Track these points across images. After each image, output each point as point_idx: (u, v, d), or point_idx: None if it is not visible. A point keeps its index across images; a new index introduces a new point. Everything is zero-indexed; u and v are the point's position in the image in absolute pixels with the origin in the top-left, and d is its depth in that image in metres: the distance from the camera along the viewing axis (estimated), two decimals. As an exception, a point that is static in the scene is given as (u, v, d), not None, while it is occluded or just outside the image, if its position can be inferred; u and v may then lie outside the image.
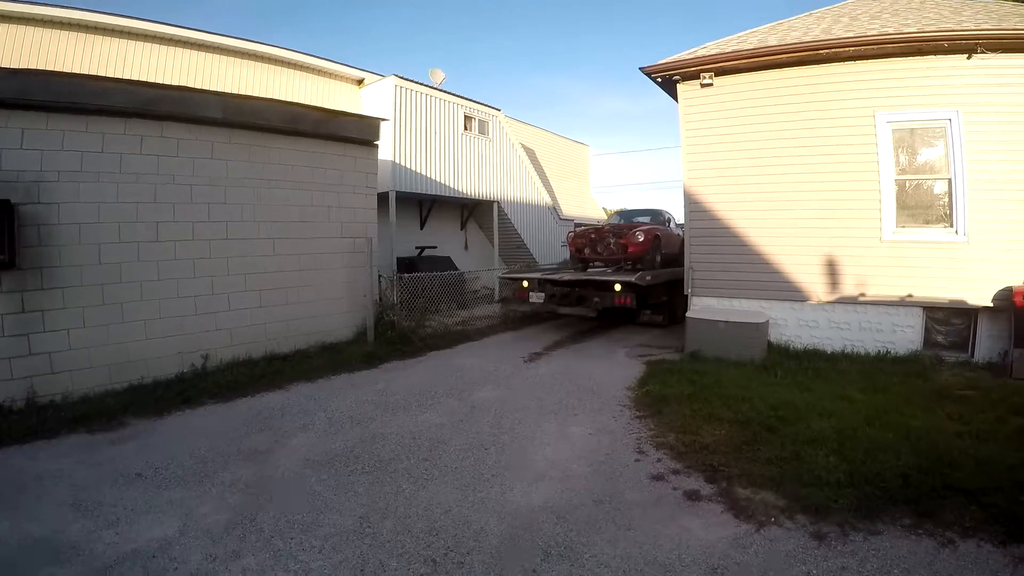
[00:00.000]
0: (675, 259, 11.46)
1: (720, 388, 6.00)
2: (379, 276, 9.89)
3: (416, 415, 5.70)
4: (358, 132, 9.48)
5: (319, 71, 14.33)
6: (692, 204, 8.81)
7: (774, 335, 8.15)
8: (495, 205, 16.79)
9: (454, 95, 15.62)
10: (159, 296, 7.09)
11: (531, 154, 20.29)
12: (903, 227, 7.75)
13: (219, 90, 10.52)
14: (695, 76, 8.46)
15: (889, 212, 7.73)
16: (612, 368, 7.63)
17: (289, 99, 13.03)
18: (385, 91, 14.18)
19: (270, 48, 13.23)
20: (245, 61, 13.00)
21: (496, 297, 13.58)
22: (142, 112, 6.98)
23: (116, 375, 6.58)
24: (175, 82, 10.01)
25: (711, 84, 8.44)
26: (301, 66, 13.99)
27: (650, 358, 8.07)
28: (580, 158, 25.19)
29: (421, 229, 16.37)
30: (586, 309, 8.93)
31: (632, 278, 8.48)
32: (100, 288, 6.56)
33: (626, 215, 12.51)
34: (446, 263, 15.04)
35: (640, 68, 8.53)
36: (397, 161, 13.87)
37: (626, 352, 8.70)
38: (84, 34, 10.41)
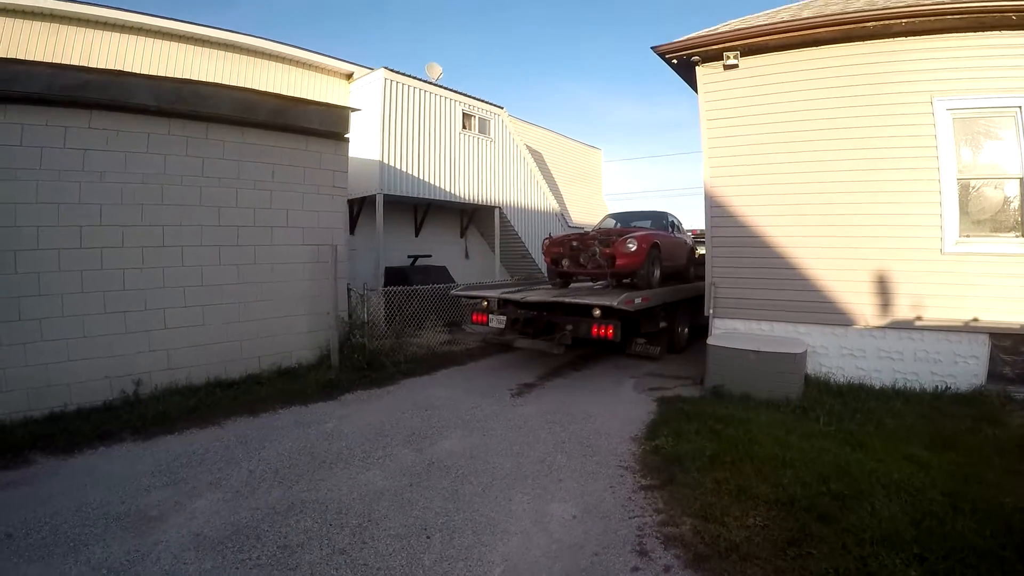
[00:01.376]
0: (681, 273, 10.04)
1: (751, 444, 4.65)
2: (348, 289, 8.68)
3: (357, 473, 4.45)
4: (323, 123, 8.28)
5: (306, 64, 13.27)
6: (714, 208, 7.45)
7: (812, 366, 6.77)
8: (496, 210, 15.57)
9: (451, 91, 14.48)
10: (83, 311, 6.09)
11: (538, 157, 19.09)
12: (967, 237, 6.39)
13: (153, 74, 9.36)
14: (717, 56, 7.15)
15: (951, 219, 6.37)
16: (615, 407, 6.30)
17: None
18: (374, 85, 13.07)
19: (252, 39, 12.20)
20: (227, 54, 12.00)
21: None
22: (66, 100, 5.99)
23: (36, 401, 5.72)
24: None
25: (736, 65, 7.12)
26: (286, 59, 12.95)
27: (663, 393, 6.74)
28: (591, 162, 23.92)
29: (416, 236, 15.24)
30: (548, 344, 7.00)
31: (614, 301, 6.53)
32: (16, 301, 5.67)
33: (622, 218, 10.82)
34: (440, 274, 13.83)
35: (652, 48, 7.26)
36: (386, 161, 12.76)
37: (634, 384, 7.37)
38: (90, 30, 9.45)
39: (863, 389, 6.47)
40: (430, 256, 14.55)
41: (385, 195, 12.72)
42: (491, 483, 4.25)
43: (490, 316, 7.95)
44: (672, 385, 7.17)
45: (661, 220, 10.01)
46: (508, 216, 15.85)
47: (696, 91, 7.64)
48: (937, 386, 6.40)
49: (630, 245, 7.74)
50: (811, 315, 6.78)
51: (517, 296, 7.51)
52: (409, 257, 14.14)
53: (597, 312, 6.75)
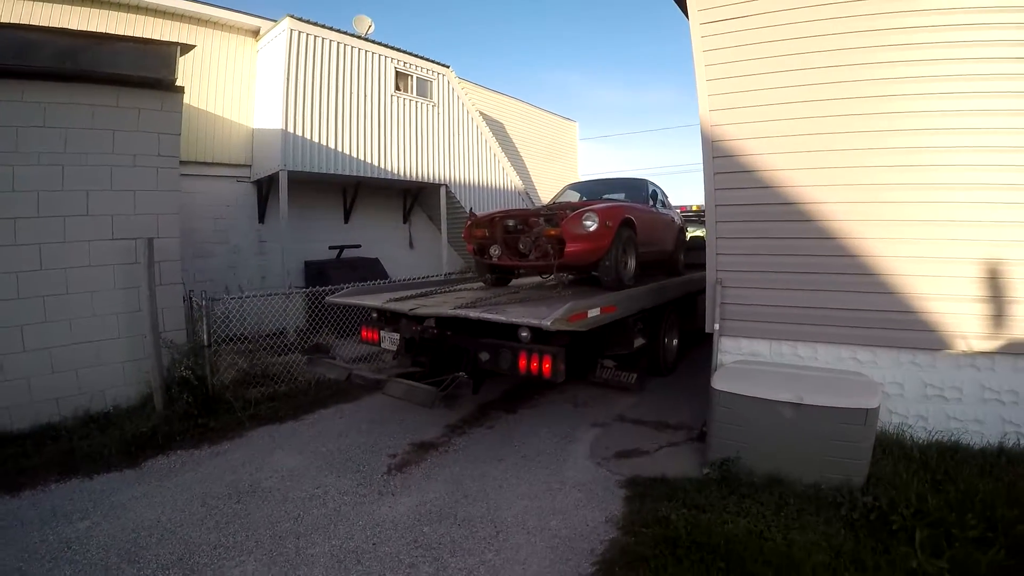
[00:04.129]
0: (666, 262, 7.42)
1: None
2: (188, 299, 6.02)
3: None
4: (140, 67, 5.66)
5: (208, 22, 10.36)
6: (719, 160, 4.67)
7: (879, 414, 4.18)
8: (442, 189, 12.83)
9: (381, 44, 11.68)
10: None
11: (499, 128, 16.36)
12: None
13: None
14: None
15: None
16: (550, 505, 3.68)
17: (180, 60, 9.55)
18: (279, 40, 10.25)
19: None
20: (121, 15, 9.25)
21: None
22: None
23: None
24: None
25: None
26: (185, 16, 10.04)
27: (637, 469, 4.11)
28: (565, 136, 21.18)
29: (345, 223, 12.49)
30: (427, 395, 3.97)
31: (546, 319, 3.78)
32: None
33: (587, 189, 7.78)
34: (371, 267, 11.17)
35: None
36: (292, 130, 10.03)
37: (594, 441, 4.74)
38: None
39: (959, 452, 3.96)
40: (359, 247, 11.85)
41: (292, 172, 10.02)
42: None
43: (381, 333, 5.29)
44: (653, 445, 4.56)
45: (639, 190, 7.20)
46: (458, 195, 13.12)
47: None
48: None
49: (587, 223, 5.04)
50: (877, 333, 4.12)
51: (406, 307, 4.79)
52: (331, 248, 11.43)
53: (525, 334, 4.09)
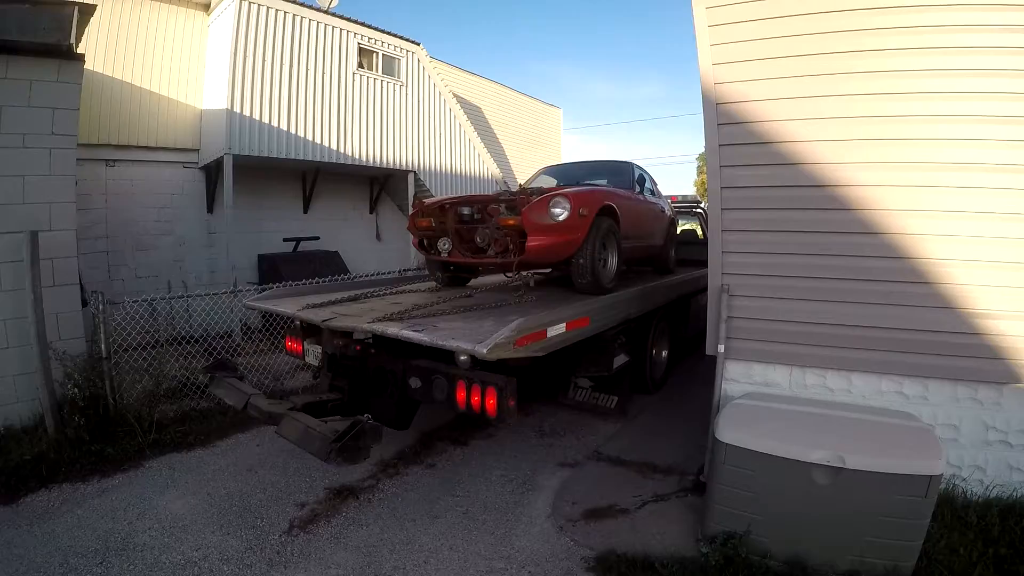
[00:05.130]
0: (655, 258, 6.44)
1: None
2: (92, 300, 5.00)
3: None
4: (29, 31, 4.71)
5: None
6: (725, 131, 3.57)
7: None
8: (410, 175, 11.74)
9: (342, 18, 10.54)
10: None
11: (475, 113, 15.27)
12: None
13: None
14: None
15: None
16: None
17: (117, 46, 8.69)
18: (228, 10, 9.11)
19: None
20: None
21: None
22: None
23: None
24: None
25: None
26: None
27: (612, 537, 3.14)
28: (548, 123, 20.12)
29: (304, 213, 11.39)
30: (321, 443, 2.74)
31: (481, 348, 2.68)
32: None
33: (563, 174, 6.52)
34: (328, 261, 10.12)
35: None
36: (239, 111, 8.93)
37: (558, 492, 3.75)
38: None
39: (1026, 513, 3.06)
40: (318, 239, 10.77)
41: (240, 157, 8.95)
42: None
43: (305, 345, 4.26)
44: (635, 499, 3.57)
45: (623, 175, 6.07)
46: (428, 183, 12.04)
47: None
48: None
49: (556, 211, 3.99)
50: (930, 360, 3.13)
51: (319, 318, 3.72)
52: (285, 240, 10.34)
53: (464, 357, 3.05)
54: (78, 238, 7.62)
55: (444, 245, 4.54)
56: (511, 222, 4.02)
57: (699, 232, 9.43)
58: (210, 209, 10.03)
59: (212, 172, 9.72)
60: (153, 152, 9.26)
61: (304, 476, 4.00)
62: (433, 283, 5.27)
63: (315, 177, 11.12)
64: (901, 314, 3.13)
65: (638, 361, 5.22)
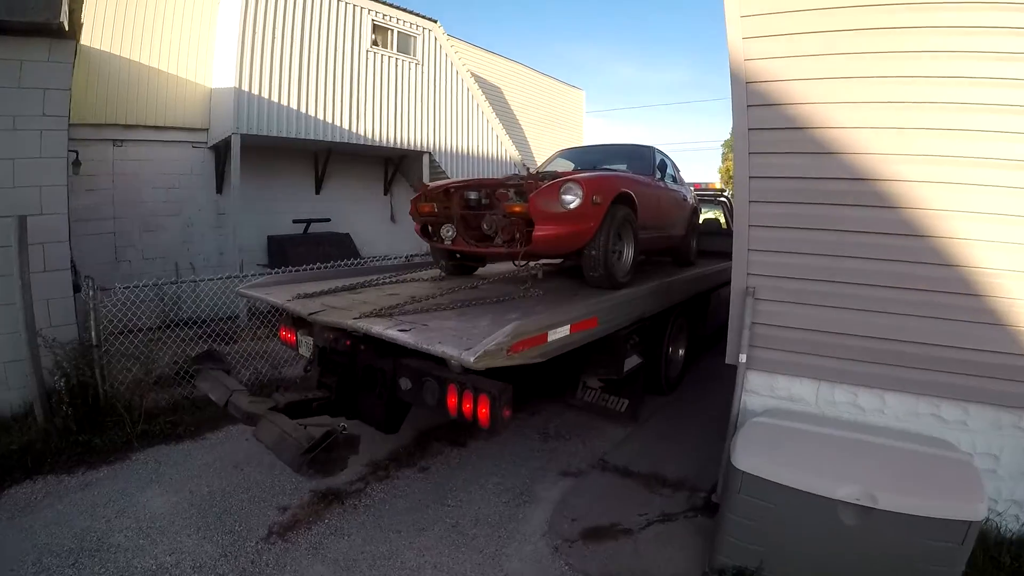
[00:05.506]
0: (675, 249, 6.05)
1: None
2: (84, 284, 4.85)
3: None
4: (18, 10, 4.49)
5: None
6: (756, 114, 3.14)
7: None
8: (425, 156, 11.44)
9: (356, -9, 10.20)
10: None
11: (495, 93, 14.88)
12: None
13: None
14: None
15: None
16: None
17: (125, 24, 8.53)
18: (232, -16, 8.86)
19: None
20: None
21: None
22: None
23: None
24: None
25: None
26: None
27: (610, 561, 2.88)
28: (570, 105, 19.62)
29: (317, 194, 11.19)
30: (295, 453, 2.48)
31: (468, 356, 2.42)
32: None
33: (580, 158, 6.07)
34: (338, 243, 9.95)
35: None
36: (247, 89, 8.73)
37: (556, 507, 3.48)
38: None
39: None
40: (329, 220, 10.57)
41: (249, 136, 8.75)
42: None
43: (298, 335, 4.01)
44: (639, 518, 3.29)
45: (644, 160, 5.63)
46: (443, 164, 11.74)
47: None
48: None
49: (567, 198, 3.63)
50: (973, 382, 2.75)
51: (306, 310, 3.45)
52: (295, 222, 10.16)
53: (455, 361, 2.64)
54: (84, 219, 7.46)
55: (448, 232, 4.25)
56: (517, 209, 3.70)
57: (722, 222, 8.99)
58: (219, 190, 9.88)
59: (221, 152, 9.55)
60: (161, 132, 9.11)
61: (290, 476, 3.78)
62: (438, 271, 4.99)
63: (327, 157, 10.89)
64: (944, 329, 2.76)
65: (653, 361, 4.90)
